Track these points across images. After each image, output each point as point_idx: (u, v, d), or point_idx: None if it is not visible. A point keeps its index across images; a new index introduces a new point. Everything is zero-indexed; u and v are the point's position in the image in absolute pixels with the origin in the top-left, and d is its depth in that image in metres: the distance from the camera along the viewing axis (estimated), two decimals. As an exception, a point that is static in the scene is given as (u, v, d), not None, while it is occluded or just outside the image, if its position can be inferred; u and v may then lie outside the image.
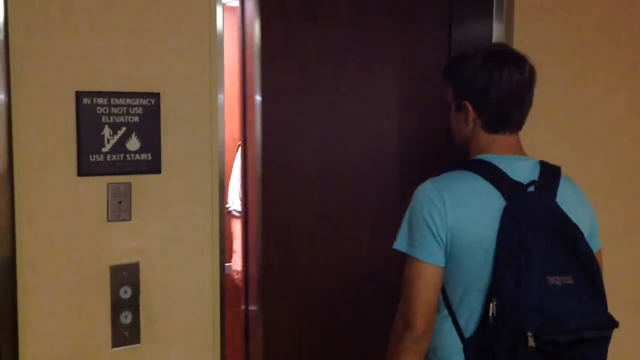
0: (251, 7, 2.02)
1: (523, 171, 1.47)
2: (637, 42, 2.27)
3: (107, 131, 1.58)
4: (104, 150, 1.58)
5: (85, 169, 1.56)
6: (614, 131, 2.28)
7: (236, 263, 3.16)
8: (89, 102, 1.55)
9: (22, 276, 1.51)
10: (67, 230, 1.56)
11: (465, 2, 2.18)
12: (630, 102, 2.30)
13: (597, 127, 2.25)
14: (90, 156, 1.56)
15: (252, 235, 2.17)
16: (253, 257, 2.18)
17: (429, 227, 1.42)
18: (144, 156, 1.62)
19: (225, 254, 1.78)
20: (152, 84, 1.63)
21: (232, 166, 3.32)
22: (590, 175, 2.24)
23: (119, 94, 1.58)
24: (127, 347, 1.64)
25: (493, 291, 1.38)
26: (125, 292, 1.63)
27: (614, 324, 1.37)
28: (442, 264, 1.43)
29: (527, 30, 2.09)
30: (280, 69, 2.08)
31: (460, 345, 1.45)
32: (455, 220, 1.40)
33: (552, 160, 2.10)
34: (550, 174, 1.50)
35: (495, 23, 2.07)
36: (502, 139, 1.51)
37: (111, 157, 1.59)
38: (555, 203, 1.44)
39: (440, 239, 1.41)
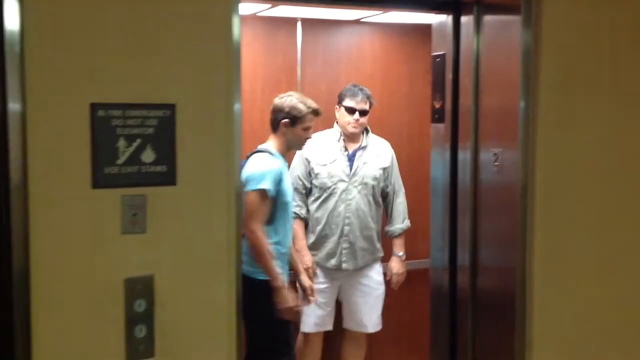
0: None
1: None
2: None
3: (121, 143, 1.57)
4: (119, 162, 1.57)
5: (99, 181, 1.55)
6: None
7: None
8: (103, 114, 1.54)
9: (37, 288, 1.51)
10: (81, 242, 1.56)
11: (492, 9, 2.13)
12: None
13: (632, 136, 2.15)
14: (105, 168, 1.56)
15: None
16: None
17: None
18: (159, 168, 1.61)
19: (241, 265, 1.76)
20: (167, 96, 1.61)
21: None
22: (624, 184, 2.15)
23: (134, 106, 1.57)
24: (141, 360, 1.63)
25: None
26: (140, 305, 1.62)
27: None
28: None
29: (556, 34, 2.01)
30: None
31: None
32: None
33: (582, 171, 2.05)
34: None
35: (523, 28, 2.00)
36: None
37: (126, 169, 1.58)
38: None
39: None
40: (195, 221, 1.67)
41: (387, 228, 3.71)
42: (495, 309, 2.16)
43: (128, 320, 1.61)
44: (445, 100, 2.30)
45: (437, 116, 2.37)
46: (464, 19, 2.22)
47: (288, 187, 3.15)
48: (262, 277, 2.96)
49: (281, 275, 3.03)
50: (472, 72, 2.17)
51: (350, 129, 3.51)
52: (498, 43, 2.11)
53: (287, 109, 3.11)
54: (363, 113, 3.53)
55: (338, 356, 3.83)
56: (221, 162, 1.69)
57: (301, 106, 3.11)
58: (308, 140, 3.22)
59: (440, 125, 2.36)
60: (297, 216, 3.46)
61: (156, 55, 1.59)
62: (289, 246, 3.21)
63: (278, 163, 3.10)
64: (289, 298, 2.98)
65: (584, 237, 2.11)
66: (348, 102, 3.52)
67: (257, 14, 3.59)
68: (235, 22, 1.68)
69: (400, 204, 3.70)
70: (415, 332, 3.94)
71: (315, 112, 3.16)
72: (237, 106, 1.70)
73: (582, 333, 2.13)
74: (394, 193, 3.70)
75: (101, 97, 1.55)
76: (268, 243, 2.97)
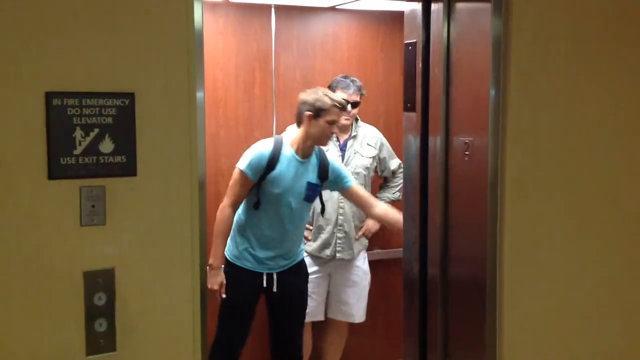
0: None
1: None
2: (646, 35, 2.16)
3: (78, 133, 1.52)
4: (76, 152, 1.52)
5: (56, 172, 1.50)
6: (620, 129, 2.17)
7: None
8: (59, 103, 1.49)
9: (-9, 283, 1.47)
10: (38, 235, 1.51)
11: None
12: (638, 99, 2.19)
13: (602, 124, 2.15)
14: (61, 159, 1.51)
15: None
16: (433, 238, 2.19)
17: None
18: (118, 158, 1.56)
19: (206, 258, 1.73)
20: (126, 84, 1.57)
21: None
22: (595, 174, 2.14)
23: (91, 95, 1.53)
24: (102, 355, 1.59)
25: None
26: (100, 299, 1.58)
27: None
28: None
29: (526, 23, 1.99)
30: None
31: None
32: None
33: (551, 158, 2.04)
34: None
35: (493, 17, 1.98)
36: None
37: (83, 160, 1.53)
38: None
39: None
40: (157, 212, 1.63)
41: (378, 194, 3.73)
42: (466, 299, 2.15)
43: (88, 314, 1.57)
44: (417, 88, 2.27)
45: (409, 105, 2.35)
46: (434, 6, 2.18)
47: (284, 178, 3.11)
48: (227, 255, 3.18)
49: (233, 258, 3.20)
50: (442, 61, 2.13)
51: (343, 121, 3.49)
52: (469, 31, 2.08)
53: (311, 101, 3.10)
54: (355, 105, 3.52)
55: (318, 345, 3.83)
56: (184, 151, 1.65)
57: (326, 99, 3.11)
58: (333, 135, 3.20)
59: (412, 114, 2.33)
60: None
61: (113, 42, 1.54)
62: (279, 239, 3.18)
63: (268, 147, 3.10)
64: (210, 280, 3.09)
65: (556, 227, 2.10)
66: (340, 95, 3.50)
67: (229, 1, 3.54)
68: (197, 7, 1.63)
69: (398, 179, 3.72)
70: (392, 321, 3.95)
71: (341, 106, 3.14)
72: (199, 94, 1.66)
73: (554, 322, 2.13)
74: (392, 174, 3.72)
75: (56, 86, 1.49)
76: (225, 223, 3.13)
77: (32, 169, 1.49)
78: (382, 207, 3.37)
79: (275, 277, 3.20)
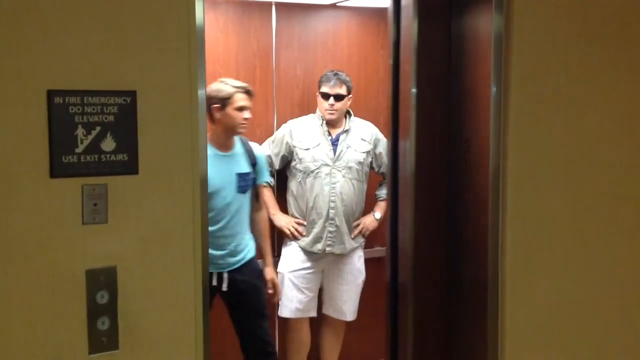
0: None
1: None
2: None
3: (80, 131, 1.52)
4: (78, 150, 1.52)
5: (58, 170, 1.50)
6: (621, 127, 2.17)
7: None
8: (61, 101, 1.49)
9: (-6, 281, 1.47)
10: (40, 233, 1.51)
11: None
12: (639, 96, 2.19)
13: (602, 122, 2.14)
14: (63, 157, 1.51)
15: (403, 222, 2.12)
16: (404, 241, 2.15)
17: None
18: (119, 157, 1.56)
19: (208, 255, 1.73)
20: (128, 82, 1.56)
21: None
22: (595, 172, 2.14)
23: (92, 93, 1.52)
24: (104, 353, 1.59)
25: None
26: (102, 297, 1.58)
27: None
28: None
29: (528, 20, 1.99)
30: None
31: None
32: None
33: (553, 156, 2.04)
34: None
35: (495, 14, 1.97)
36: None
37: (85, 158, 1.53)
38: None
39: None
40: (159, 211, 1.63)
41: (376, 191, 3.74)
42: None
43: (90, 312, 1.57)
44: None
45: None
46: (404, 2, 2.13)
47: (211, 177, 3.05)
48: None
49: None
50: (412, 58, 2.09)
51: (327, 115, 3.51)
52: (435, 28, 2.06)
53: (214, 94, 3.11)
54: (338, 98, 3.51)
55: (315, 342, 3.83)
56: (185, 149, 1.65)
57: (226, 87, 3.12)
58: (246, 121, 3.19)
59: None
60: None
61: (115, 40, 1.54)
62: (224, 235, 3.21)
63: None
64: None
65: (558, 226, 2.10)
66: (323, 88, 3.52)
67: (230, -2, 3.53)
68: (199, 5, 1.63)
69: None
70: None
71: (244, 90, 3.15)
72: (201, 92, 1.66)
73: (556, 321, 2.13)
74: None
75: (58, 84, 1.49)
76: None
77: (34, 168, 1.49)
78: (259, 216, 3.48)
79: (225, 276, 3.22)
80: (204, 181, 1.69)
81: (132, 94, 1.56)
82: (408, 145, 2.13)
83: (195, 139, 1.65)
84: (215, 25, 3.56)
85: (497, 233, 2.01)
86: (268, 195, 3.57)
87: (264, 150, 3.54)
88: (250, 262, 3.34)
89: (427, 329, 2.15)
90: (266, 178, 3.48)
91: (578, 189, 2.12)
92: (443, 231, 2.09)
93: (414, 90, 2.09)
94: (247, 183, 3.28)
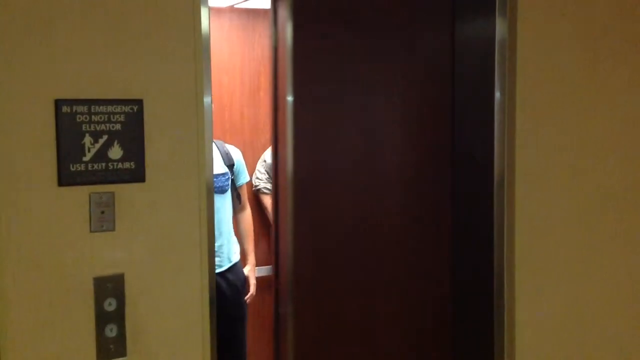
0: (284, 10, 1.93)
1: None
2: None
3: (87, 140, 1.53)
4: (85, 159, 1.53)
5: (65, 178, 1.51)
6: (626, 131, 2.17)
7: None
8: (68, 110, 1.51)
9: (3, 289, 1.48)
10: (48, 241, 1.52)
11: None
12: (644, 99, 2.19)
13: (608, 127, 2.15)
14: (71, 166, 1.52)
15: (283, 240, 2.10)
16: (284, 264, 2.12)
17: None
18: (127, 165, 1.57)
19: (214, 262, 1.73)
20: (134, 91, 1.58)
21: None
22: (602, 176, 2.14)
23: (99, 102, 1.54)
24: (112, 360, 1.60)
25: None
26: (110, 305, 1.59)
27: None
28: None
29: (532, 26, 2.00)
30: (312, 70, 2.01)
31: None
32: None
33: (558, 161, 2.04)
34: None
35: (499, 19, 1.98)
36: None
37: (92, 167, 1.54)
38: None
39: None
40: (166, 218, 1.64)
41: None
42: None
43: (98, 319, 1.58)
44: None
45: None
46: (280, 4, 2.08)
47: None
48: None
49: None
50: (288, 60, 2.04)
51: None
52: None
53: None
54: None
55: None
56: (192, 157, 1.66)
57: None
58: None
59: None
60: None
61: (122, 48, 1.55)
62: None
63: None
64: None
65: (565, 229, 2.10)
66: None
67: (234, 6, 3.55)
68: (204, 13, 1.64)
69: None
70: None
71: None
72: (207, 99, 1.67)
73: (565, 324, 2.12)
74: None
75: (65, 93, 1.51)
76: None
77: (42, 176, 1.50)
78: (242, 216, 3.52)
79: None
80: (210, 188, 1.69)
81: (139, 102, 1.58)
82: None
83: (201, 147, 1.66)
84: (220, 33, 3.58)
85: (502, 241, 2.01)
86: (270, 203, 3.56)
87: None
88: (235, 266, 3.35)
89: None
90: (246, 179, 3.51)
91: (584, 194, 2.12)
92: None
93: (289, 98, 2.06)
94: (224, 184, 3.28)
